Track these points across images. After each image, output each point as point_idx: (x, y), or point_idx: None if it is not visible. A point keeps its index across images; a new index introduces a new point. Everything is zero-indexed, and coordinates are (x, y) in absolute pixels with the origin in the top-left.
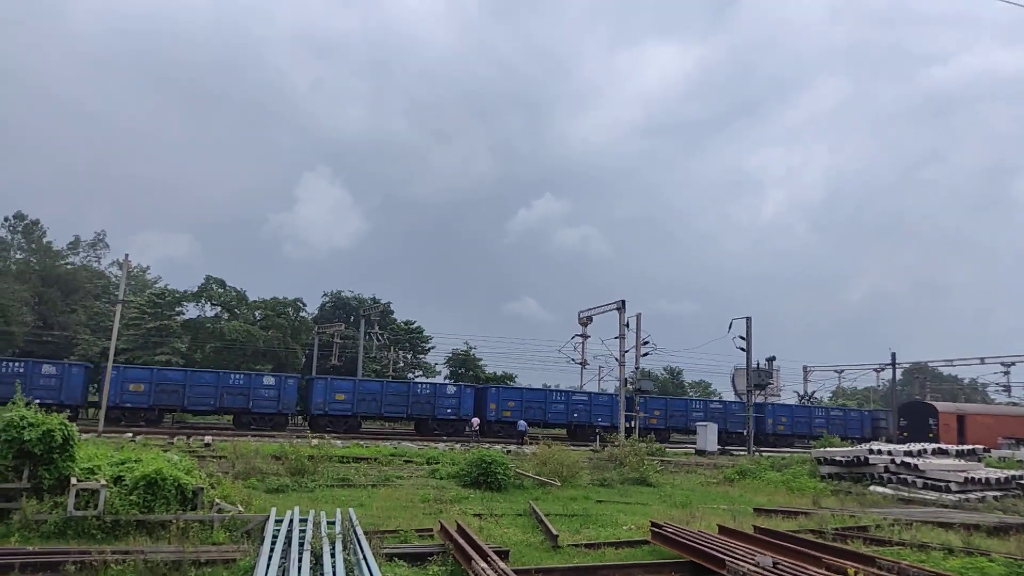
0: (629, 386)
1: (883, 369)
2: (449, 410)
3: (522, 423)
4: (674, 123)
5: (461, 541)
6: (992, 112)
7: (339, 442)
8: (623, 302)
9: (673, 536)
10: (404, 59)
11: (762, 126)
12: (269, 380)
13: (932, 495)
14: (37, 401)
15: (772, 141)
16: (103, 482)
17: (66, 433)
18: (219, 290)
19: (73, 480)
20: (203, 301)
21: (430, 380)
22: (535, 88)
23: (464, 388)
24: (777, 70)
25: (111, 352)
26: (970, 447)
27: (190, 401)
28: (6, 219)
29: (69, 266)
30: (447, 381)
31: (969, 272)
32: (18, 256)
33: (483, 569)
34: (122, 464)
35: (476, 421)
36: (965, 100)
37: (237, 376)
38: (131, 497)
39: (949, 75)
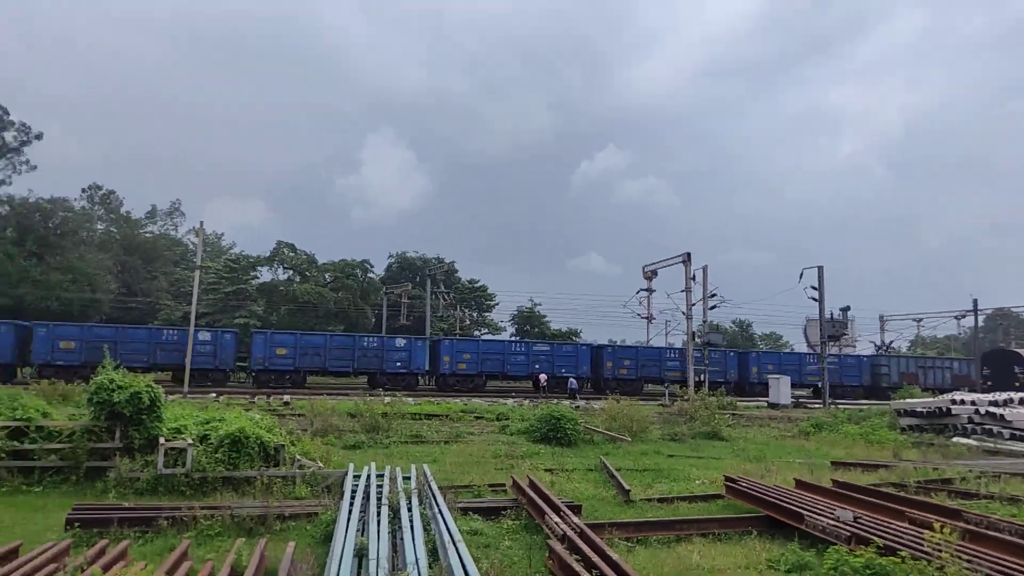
0: (697, 339)
1: (964, 316)
2: (399, 363)
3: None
4: (740, 64)
5: (534, 496)
6: None
7: (411, 399)
8: (688, 255)
9: (748, 490)
10: (457, 11)
11: (834, 63)
12: (205, 335)
13: (1020, 446)
14: None
15: (845, 79)
16: (190, 441)
17: (153, 395)
18: (290, 254)
19: (161, 440)
20: (275, 265)
21: (378, 334)
22: (593, 36)
23: (415, 341)
24: (848, 4)
25: (192, 316)
26: None
27: (123, 358)
28: (83, 190)
29: (148, 235)
30: (395, 335)
31: None
32: (99, 227)
33: (556, 523)
34: (207, 423)
35: (544, 377)
36: None
37: (171, 332)
38: (216, 455)
39: None
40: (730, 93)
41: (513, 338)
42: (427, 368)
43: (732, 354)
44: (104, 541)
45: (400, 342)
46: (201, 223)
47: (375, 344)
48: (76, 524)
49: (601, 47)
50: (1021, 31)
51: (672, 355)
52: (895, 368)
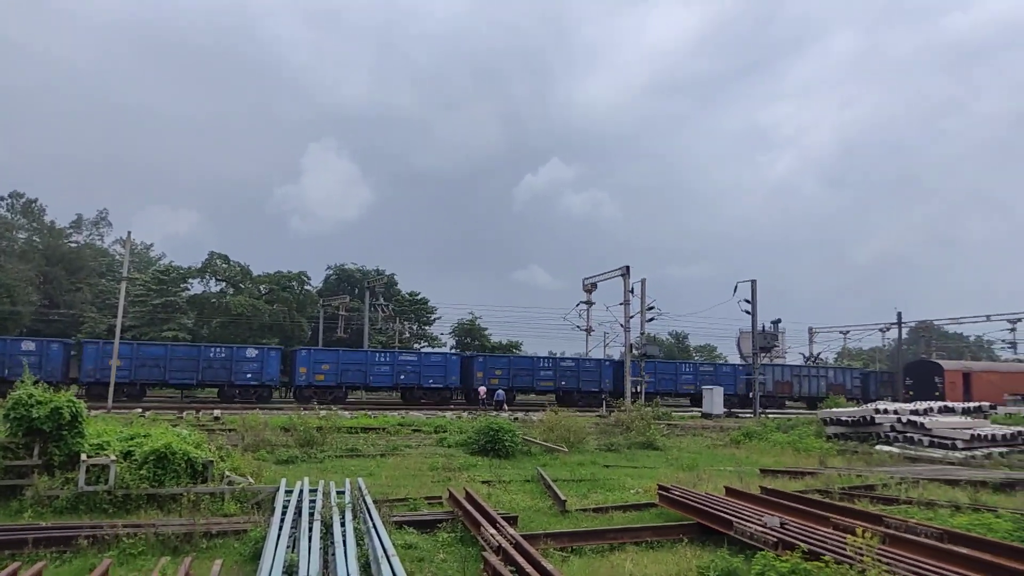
0: (635, 351)
1: (888, 328)
2: (249, 375)
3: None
4: (681, 82)
5: (470, 508)
6: (1017, 59)
7: (347, 413)
8: (627, 268)
9: (680, 499)
10: (406, 24)
11: (772, 83)
12: (29, 345)
13: (939, 453)
14: None
15: (781, 97)
16: (113, 457)
17: (74, 410)
18: (223, 265)
19: (83, 456)
20: (208, 277)
21: (227, 344)
22: (541, 51)
23: (268, 351)
24: (787, 24)
25: (117, 329)
26: (976, 404)
27: None
28: (2, 198)
29: (73, 245)
30: (246, 345)
31: (983, 228)
32: (20, 236)
33: (492, 535)
34: (131, 439)
35: (483, 389)
36: (988, 48)
37: None
38: (141, 471)
39: (970, 22)
40: (672, 110)
41: (376, 349)
42: (280, 380)
43: (608, 363)
44: (16, 564)
45: (251, 352)
46: (128, 233)
47: (222, 354)
48: None
49: (549, 62)
50: (952, 52)
51: (546, 364)
52: (770, 377)
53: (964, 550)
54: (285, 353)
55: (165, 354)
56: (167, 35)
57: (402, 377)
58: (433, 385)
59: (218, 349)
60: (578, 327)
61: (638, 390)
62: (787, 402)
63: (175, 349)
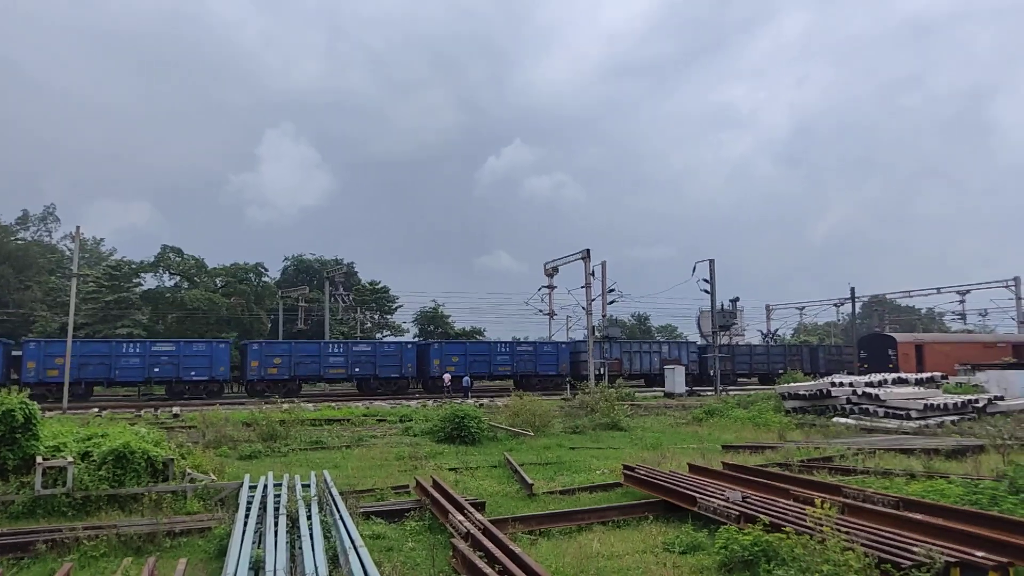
0: (597, 334)
1: (843, 304)
2: None
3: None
4: (637, 63)
5: (437, 495)
6: (971, 33)
7: (311, 405)
8: (587, 251)
9: (645, 477)
10: (356, 5)
11: (727, 63)
12: None
13: (893, 423)
14: None
15: (737, 78)
16: (70, 459)
17: (27, 412)
18: (176, 259)
19: (39, 459)
20: (161, 271)
21: None
22: (496, 31)
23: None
24: (742, 2)
25: (69, 328)
26: (928, 375)
27: None
28: None
29: (19, 242)
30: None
31: (935, 202)
32: None
33: (460, 521)
34: (88, 440)
35: (448, 377)
36: (943, 22)
37: None
38: (100, 472)
39: None
40: (629, 92)
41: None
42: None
43: (411, 346)
44: None
45: None
46: (78, 228)
47: None
48: None
49: (504, 46)
50: (903, 30)
51: (336, 351)
52: (598, 355)
53: (919, 516)
54: (5, 346)
55: None
56: (105, 24)
57: (156, 369)
58: (196, 378)
59: None
60: (541, 311)
61: (601, 371)
62: (619, 380)
63: None
